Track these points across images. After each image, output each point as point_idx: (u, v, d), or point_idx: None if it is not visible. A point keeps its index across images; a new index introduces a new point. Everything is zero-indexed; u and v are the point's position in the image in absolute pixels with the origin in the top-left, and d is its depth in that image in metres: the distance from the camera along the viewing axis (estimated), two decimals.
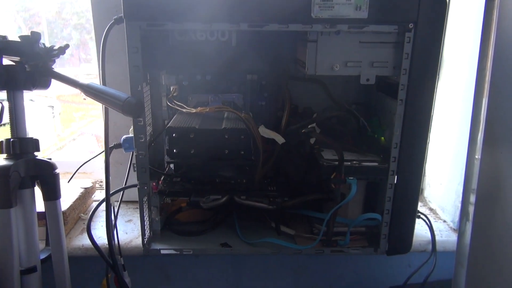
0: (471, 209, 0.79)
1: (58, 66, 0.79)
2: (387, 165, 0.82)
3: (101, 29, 0.88)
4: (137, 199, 0.85)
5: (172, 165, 0.93)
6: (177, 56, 0.91)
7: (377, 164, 0.84)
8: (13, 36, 0.73)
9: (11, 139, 0.74)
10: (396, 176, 0.82)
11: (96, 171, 1.23)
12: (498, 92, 0.75)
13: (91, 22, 1.00)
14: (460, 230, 0.83)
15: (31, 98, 0.80)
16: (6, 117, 0.74)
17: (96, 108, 0.70)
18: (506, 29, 0.72)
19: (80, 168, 1.09)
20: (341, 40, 0.77)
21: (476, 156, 0.77)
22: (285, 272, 1.04)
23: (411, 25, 0.74)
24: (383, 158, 0.85)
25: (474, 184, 0.78)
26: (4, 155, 0.74)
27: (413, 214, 0.86)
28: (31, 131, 0.76)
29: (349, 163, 0.83)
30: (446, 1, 0.74)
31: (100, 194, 1.16)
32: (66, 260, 0.80)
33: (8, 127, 0.75)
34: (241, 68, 0.96)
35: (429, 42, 0.75)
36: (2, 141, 0.74)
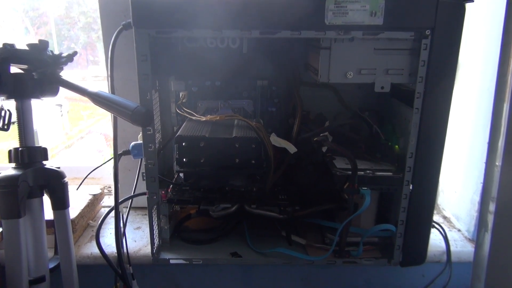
0: (490, 218, 0.76)
1: (67, 68, 0.78)
2: (401, 174, 0.80)
3: (109, 33, 0.86)
4: (146, 205, 0.83)
5: (181, 174, 0.92)
6: (187, 62, 0.90)
7: (391, 173, 0.81)
8: (21, 38, 0.72)
9: (20, 148, 0.73)
10: (411, 186, 0.80)
11: (105, 177, 1.22)
12: None
13: (98, 22, 0.99)
14: (477, 241, 0.81)
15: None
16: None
17: None
18: None
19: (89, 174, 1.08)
20: (355, 47, 0.75)
21: (497, 163, 0.75)
22: (295, 282, 1.03)
23: (428, 32, 0.72)
24: (397, 167, 0.83)
25: (494, 193, 0.75)
26: (13, 164, 0.73)
27: (428, 225, 0.83)
28: (40, 130, 0.75)
29: (363, 172, 0.81)
30: (465, 6, 0.72)
31: (108, 200, 1.15)
32: (75, 269, 0.79)
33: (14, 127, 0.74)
34: (251, 74, 0.94)
35: (447, 49, 0.73)
36: (10, 150, 0.73)
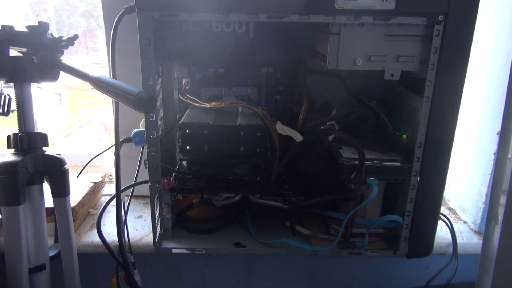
0: (500, 211, 0.75)
1: (67, 55, 0.76)
2: (410, 165, 0.78)
3: (111, 18, 0.84)
4: (147, 194, 0.82)
5: (184, 162, 0.90)
6: (190, 48, 0.87)
7: (399, 164, 0.80)
8: (20, 25, 0.70)
9: (19, 134, 0.71)
10: (419, 177, 0.78)
11: (105, 165, 1.20)
12: None
13: (98, 9, 0.96)
14: (486, 234, 0.79)
15: (38, 86, 0.77)
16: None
17: (103, 96, 0.68)
18: None
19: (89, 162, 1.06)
20: (365, 32, 0.73)
21: (509, 156, 0.73)
22: (298, 272, 1.02)
23: (441, 17, 0.69)
24: (405, 158, 0.81)
25: (505, 185, 0.74)
26: (12, 150, 0.71)
27: (436, 216, 0.82)
28: (39, 119, 0.74)
29: (370, 162, 0.79)
30: None
31: (109, 188, 1.14)
32: (75, 257, 0.78)
33: (15, 114, 0.72)
34: (256, 61, 0.92)
35: (460, 35, 0.70)
36: (9, 136, 0.71)
